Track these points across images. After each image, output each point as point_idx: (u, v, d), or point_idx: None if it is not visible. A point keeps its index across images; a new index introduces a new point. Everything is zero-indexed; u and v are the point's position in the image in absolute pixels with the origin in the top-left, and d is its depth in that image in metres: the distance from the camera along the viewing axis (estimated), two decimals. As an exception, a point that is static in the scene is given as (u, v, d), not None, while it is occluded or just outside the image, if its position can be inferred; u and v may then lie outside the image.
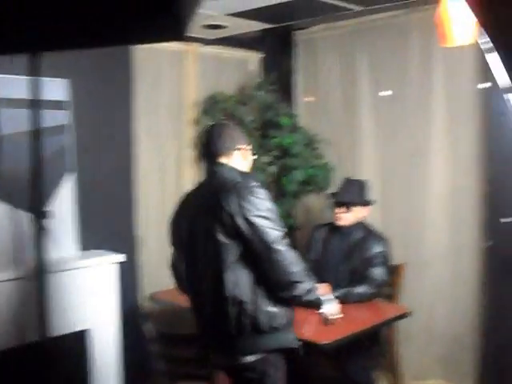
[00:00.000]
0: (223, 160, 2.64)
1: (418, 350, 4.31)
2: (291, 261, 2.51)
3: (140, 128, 4.26)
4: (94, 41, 1.21)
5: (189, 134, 4.51)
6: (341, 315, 3.12)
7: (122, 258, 3.99)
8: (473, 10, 1.73)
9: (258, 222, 2.45)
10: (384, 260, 3.70)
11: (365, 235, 3.77)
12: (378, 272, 3.64)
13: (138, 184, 4.27)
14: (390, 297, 4.01)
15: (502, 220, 3.58)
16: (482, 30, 1.75)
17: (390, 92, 4.43)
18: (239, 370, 2.63)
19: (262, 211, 2.47)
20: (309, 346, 3.08)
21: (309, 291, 2.60)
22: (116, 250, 4.00)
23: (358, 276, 3.67)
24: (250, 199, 2.46)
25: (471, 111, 4.00)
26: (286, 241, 2.53)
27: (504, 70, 1.78)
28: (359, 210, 3.79)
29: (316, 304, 2.85)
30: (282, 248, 2.48)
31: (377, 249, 3.69)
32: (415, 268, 4.20)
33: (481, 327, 4.04)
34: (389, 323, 3.58)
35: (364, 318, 3.46)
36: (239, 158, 2.69)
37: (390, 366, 4.21)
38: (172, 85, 4.43)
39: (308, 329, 3.24)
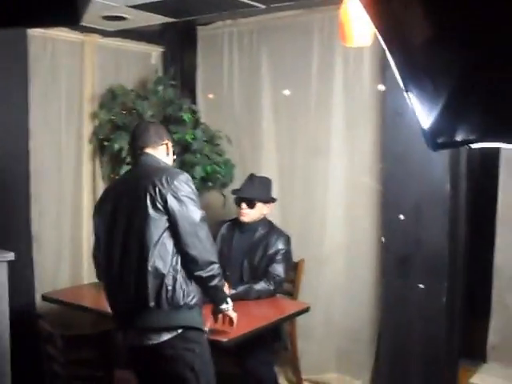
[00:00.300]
0: (149, 151, 2.83)
1: (317, 345, 4.39)
2: (211, 241, 2.76)
3: (37, 120, 4.09)
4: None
5: (87, 127, 4.38)
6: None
7: (11, 256, 3.81)
8: (366, 12, 1.77)
9: (186, 200, 2.64)
10: (285, 257, 3.75)
11: (268, 232, 3.80)
12: (278, 269, 3.68)
13: (34, 179, 4.09)
14: (290, 293, 4.07)
15: (401, 217, 3.69)
16: (376, 31, 1.81)
17: (291, 90, 4.46)
18: (156, 349, 2.66)
19: (189, 193, 2.67)
20: (209, 343, 3.08)
21: (221, 276, 2.78)
22: (8, 248, 3.81)
23: (260, 272, 3.70)
24: (180, 181, 2.66)
25: (369, 111, 4.11)
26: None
27: (396, 71, 1.84)
28: (262, 207, 3.82)
29: (222, 295, 2.88)
30: (205, 227, 2.70)
31: (279, 246, 3.73)
32: (314, 264, 4.27)
33: (376, 321, 4.17)
34: (289, 319, 3.64)
35: (265, 314, 3.49)
36: (164, 153, 2.89)
37: (290, 360, 4.28)
38: (70, 76, 4.29)
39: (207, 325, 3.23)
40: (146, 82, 4.73)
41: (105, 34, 4.47)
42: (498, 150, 3.67)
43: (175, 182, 2.65)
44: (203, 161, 4.35)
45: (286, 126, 4.50)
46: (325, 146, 4.30)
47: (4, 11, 1.10)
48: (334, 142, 4.26)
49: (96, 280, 4.21)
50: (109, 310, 3.51)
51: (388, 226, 3.86)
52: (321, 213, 4.36)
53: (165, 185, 2.63)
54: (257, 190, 3.82)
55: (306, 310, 3.57)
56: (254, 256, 3.76)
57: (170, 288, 2.61)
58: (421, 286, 3.71)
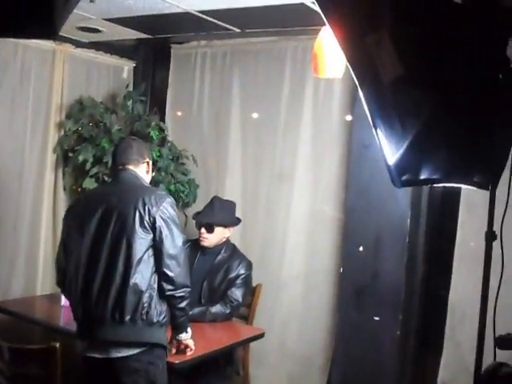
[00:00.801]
0: (130, 168, 2.89)
1: (269, 370, 4.36)
2: (187, 266, 2.83)
3: (1, 126, 4.04)
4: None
5: (53, 137, 4.32)
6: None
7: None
8: (340, 46, 1.80)
9: (172, 224, 2.73)
10: (245, 282, 3.75)
11: (230, 256, 3.80)
12: (237, 293, 3.68)
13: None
14: (246, 317, 4.05)
15: (360, 249, 3.72)
16: (348, 65, 1.84)
17: (260, 115, 4.48)
18: (122, 361, 2.69)
19: (175, 217, 2.77)
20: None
21: (189, 301, 2.84)
22: None
23: (218, 295, 3.68)
24: (168, 204, 2.74)
25: (336, 142, 4.14)
26: None
27: (366, 106, 1.87)
28: (223, 231, 3.81)
29: (185, 321, 2.93)
30: (184, 252, 2.80)
31: (240, 271, 3.74)
32: (271, 289, 4.26)
33: (329, 349, 4.18)
34: (244, 343, 3.62)
35: (219, 338, 3.47)
36: (144, 170, 2.96)
37: (241, 385, 4.25)
38: (39, 84, 4.25)
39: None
40: (116, 96, 4.71)
41: (78, 44, 4.45)
42: (458, 189, 3.73)
43: (164, 204, 2.72)
44: (167, 179, 4.33)
45: (253, 150, 4.51)
46: (290, 172, 4.32)
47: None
48: (300, 169, 4.29)
49: (48, 292, 4.19)
50: (60, 324, 3.47)
51: (347, 256, 3.88)
52: (281, 239, 4.36)
53: (154, 205, 2.70)
54: (217, 214, 3.80)
55: (260, 336, 3.56)
56: (214, 278, 3.74)
57: (146, 305, 2.66)
58: (376, 318, 3.74)
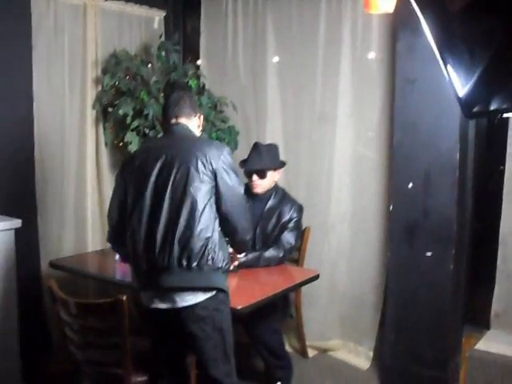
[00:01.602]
0: (183, 121, 2.90)
1: (321, 312, 4.43)
2: (248, 211, 2.91)
3: (41, 85, 4.02)
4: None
5: (91, 92, 4.31)
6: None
7: (18, 223, 3.78)
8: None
9: (234, 173, 2.78)
10: (297, 225, 3.76)
11: (281, 200, 3.79)
12: (290, 236, 3.70)
13: (38, 144, 4.04)
14: (296, 260, 4.08)
15: (409, 186, 3.70)
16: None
17: (297, 58, 4.40)
18: (189, 310, 2.71)
19: (234, 167, 2.82)
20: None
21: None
22: (14, 215, 3.77)
23: (271, 240, 3.70)
24: (227, 154, 2.78)
25: (377, 78, 4.08)
26: None
27: (431, 40, 1.81)
28: (273, 175, 3.79)
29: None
30: (245, 199, 2.88)
31: (293, 214, 3.75)
32: (320, 231, 4.28)
33: (380, 288, 4.21)
34: (299, 286, 3.65)
35: (275, 282, 3.50)
36: (196, 124, 2.98)
37: (294, 327, 4.31)
38: (73, 40, 4.20)
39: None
40: (149, 47, 4.64)
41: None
42: (506, 122, 3.66)
43: (224, 153, 2.77)
44: (208, 127, 4.31)
45: (292, 93, 4.46)
46: (331, 113, 4.27)
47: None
48: (341, 109, 4.23)
49: (99, 248, 4.25)
50: (115, 277, 3.52)
51: (396, 193, 3.85)
52: (326, 181, 4.35)
53: (214, 155, 2.73)
54: (265, 159, 3.76)
55: (315, 278, 3.57)
56: (267, 224, 3.75)
57: (211, 251, 2.70)
58: (428, 253, 3.74)
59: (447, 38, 1.81)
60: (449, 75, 1.88)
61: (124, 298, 2.74)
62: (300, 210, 3.80)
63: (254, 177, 3.75)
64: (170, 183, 2.72)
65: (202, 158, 2.71)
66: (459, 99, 1.93)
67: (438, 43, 1.82)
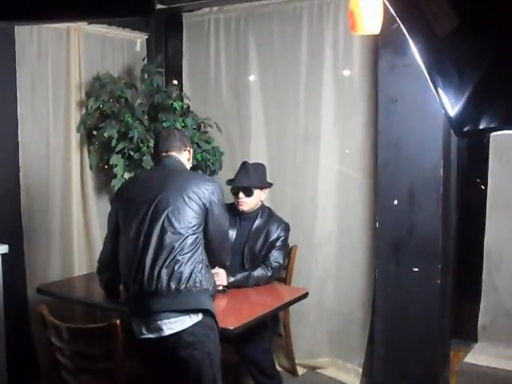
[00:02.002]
0: (176, 154, 3.05)
1: (309, 330, 4.44)
2: (230, 244, 3.28)
3: (25, 109, 4.02)
4: (59, 14, 1.11)
5: (75, 116, 4.31)
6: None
7: (4, 248, 3.76)
8: (389, 3, 1.79)
9: (223, 211, 2.98)
10: (284, 244, 3.79)
11: (267, 220, 3.82)
12: (277, 255, 3.72)
13: (23, 169, 4.02)
14: (283, 279, 4.10)
15: (395, 203, 3.75)
16: (397, 19, 1.83)
17: (280, 77, 4.45)
18: (177, 337, 2.76)
19: (223, 204, 3.04)
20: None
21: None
22: (0, 241, 3.75)
23: (259, 259, 3.72)
24: (218, 190, 2.94)
25: (360, 97, 4.13)
26: None
27: (420, 61, 1.86)
28: (259, 194, 3.83)
29: None
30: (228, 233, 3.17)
31: (280, 233, 3.78)
32: (306, 250, 4.31)
33: (368, 304, 4.24)
34: (290, 305, 3.66)
35: (265, 301, 3.53)
36: (186, 158, 3.13)
37: (283, 346, 4.32)
38: (57, 64, 4.21)
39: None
40: (132, 70, 4.67)
41: (89, 21, 4.38)
42: (487, 138, 3.73)
43: (216, 188, 2.93)
44: (193, 149, 4.31)
45: (275, 113, 4.50)
46: (315, 132, 4.32)
47: (78, 3, 1.09)
48: (325, 128, 4.28)
49: (85, 271, 4.23)
50: (102, 302, 3.50)
51: (382, 211, 3.90)
52: (312, 200, 4.39)
53: (206, 189, 2.88)
54: (252, 177, 3.81)
55: (304, 296, 3.60)
56: (254, 243, 3.78)
57: (199, 274, 2.80)
58: (415, 269, 3.78)
59: (436, 60, 1.86)
60: (439, 96, 1.93)
61: (117, 322, 2.74)
62: (287, 228, 3.84)
63: (241, 194, 3.78)
64: (161, 213, 2.82)
65: (193, 191, 2.85)
66: (450, 119, 1.97)
67: (428, 65, 1.86)
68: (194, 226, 2.83)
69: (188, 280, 2.75)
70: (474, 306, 4.08)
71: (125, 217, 2.92)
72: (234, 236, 3.81)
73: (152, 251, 2.78)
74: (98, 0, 1.11)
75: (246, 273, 3.62)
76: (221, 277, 3.49)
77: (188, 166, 3.15)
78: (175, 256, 2.77)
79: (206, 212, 2.87)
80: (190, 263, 2.78)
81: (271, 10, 4.41)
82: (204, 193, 2.86)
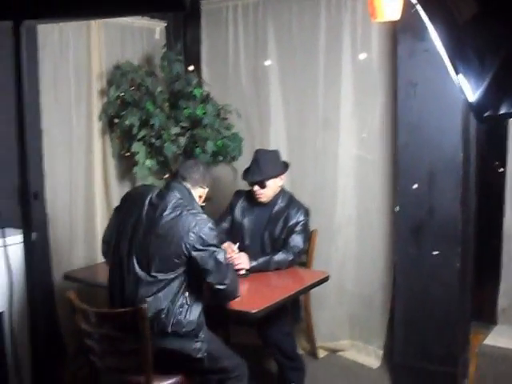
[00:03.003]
0: (187, 184, 3.05)
1: (330, 313, 4.50)
2: (234, 273, 3.12)
3: (48, 99, 4.07)
4: (92, 11, 1.16)
5: (97, 105, 4.37)
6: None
7: (33, 236, 3.82)
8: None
9: (213, 246, 2.90)
10: (305, 228, 3.82)
11: (287, 204, 3.85)
12: (298, 239, 3.76)
13: (47, 158, 4.09)
14: (304, 263, 4.14)
15: (414, 187, 3.78)
16: (418, 6, 1.85)
17: (298, 64, 4.47)
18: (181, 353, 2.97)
19: (215, 238, 2.93)
20: (236, 315, 3.19)
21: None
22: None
23: (280, 244, 3.77)
24: (208, 231, 2.88)
25: (379, 82, 4.16)
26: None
27: (441, 48, 1.89)
28: (275, 181, 3.84)
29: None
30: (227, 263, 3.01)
31: (300, 217, 3.80)
32: (326, 234, 4.35)
33: (388, 287, 4.28)
34: (311, 288, 3.70)
35: (286, 285, 3.57)
36: (198, 194, 3.12)
37: (304, 329, 4.38)
38: (78, 54, 4.24)
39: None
40: (152, 58, 4.72)
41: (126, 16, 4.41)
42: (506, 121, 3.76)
43: (205, 230, 2.87)
44: (214, 135, 4.37)
45: (295, 99, 4.53)
46: (334, 117, 4.35)
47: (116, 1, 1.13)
48: (344, 113, 4.31)
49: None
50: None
51: (402, 194, 3.94)
52: (331, 184, 4.43)
53: (194, 233, 2.84)
54: (264, 168, 3.79)
55: (325, 279, 3.65)
56: (274, 228, 3.82)
57: (179, 317, 2.93)
58: (434, 252, 3.81)
59: (457, 46, 1.88)
60: (460, 82, 1.96)
61: (145, 306, 2.81)
62: (307, 213, 3.86)
63: (255, 187, 3.82)
64: (150, 246, 2.90)
65: (182, 234, 2.84)
66: (470, 105, 2.00)
67: (449, 52, 1.89)
68: (178, 270, 2.92)
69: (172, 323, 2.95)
70: (493, 289, 4.12)
71: (116, 232, 3.06)
72: (250, 222, 3.90)
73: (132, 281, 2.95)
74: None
75: (267, 257, 3.67)
76: (243, 261, 3.57)
77: (199, 203, 3.14)
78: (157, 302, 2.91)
79: (197, 256, 2.88)
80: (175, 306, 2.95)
81: (289, -4, 4.43)
82: (194, 237, 2.85)
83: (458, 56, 1.90)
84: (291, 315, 3.86)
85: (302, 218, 3.81)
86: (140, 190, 3.22)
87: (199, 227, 2.85)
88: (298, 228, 3.78)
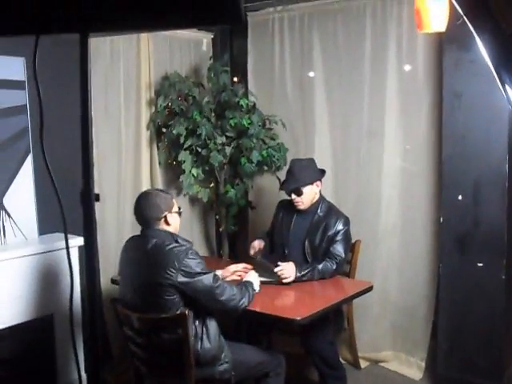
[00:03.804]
0: (155, 225, 3.08)
1: (372, 323, 4.49)
2: (229, 288, 3.04)
3: (98, 109, 4.20)
4: (153, 23, 1.23)
5: (146, 115, 4.48)
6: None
7: (80, 241, 3.94)
8: (457, 3, 1.84)
9: (198, 274, 2.94)
10: (345, 237, 3.84)
11: (327, 213, 3.89)
12: (339, 248, 3.78)
13: (97, 166, 4.21)
14: (347, 273, 4.16)
15: (459, 198, 3.78)
16: (465, 17, 1.88)
17: (344, 74, 4.51)
18: None
19: (197, 266, 2.94)
20: (280, 322, 3.23)
21: (244, 297, 3.09)
22: (75, 233, 3.93)
23: (321, 253, 3.81)
24: (188, 261, 2.92)
25: (424, 93, 4.16)
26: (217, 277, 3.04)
27: (487, 58, 1.91)
28: (312, 188, 3.88)
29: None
30: (220, 284, 3.00)
31: (339, 226, 3.83)
32: (370, 244, 4.36)
33: (431, 299, 4.26)
34: (354, 298, 3.71)
35: (331, 294, 3.59)
36: (164, 224, 3.11)
37: (346, 339, 4.39)
38: (128, 65, 4.38)
39: (280, 304, 3.38)
40: (199, 69, 4.82)
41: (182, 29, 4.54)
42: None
43: (184, 262, 2.91)
44: (259, 145, 4.44)
45: (340, 109, 4.56)
46: (379, 128, 4.37)
47: (172, 12, 1.20)
48: (389, 124, 4.33)
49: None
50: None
51: (446, 205, 3.93)
52: (375, 194, 4.44)
53: (177, 268, 2.90)
54: (298, 176, 3.85)
55: (369, 290, 3.65)
56: (314, 237, 3.86)
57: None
58: (479, 264, 3.79)
59: (504, 57, 1.90)
60: (506, 92, 1.98)
61: (186, 311, 2.87)
62: (346, 222, 3.88)
63: (293, 195, 3.87)
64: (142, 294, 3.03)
65: (164, 277, 2.91)
66: (517, 115, 2.02)
67: (495, 62, 1.91)
68: (177, 305, 2.99)
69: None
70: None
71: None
72: (290, 231, 3.97)
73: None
74: (189, 10, 1.20)
75: (311, 267, 3.70)
76: (290, 271, 3.61)
77: (172, 228, 3.14)
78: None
79: (184, 288, 2.94)
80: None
81: (335, 8, 4.47)
82: (176, 273, 2.91)
83: (505, 67, 1.92)
84: (334, 324, 3.88)
85: (341, 226, 3.84)
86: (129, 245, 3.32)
87: (178, 261, 2.91)
88: (339, 237, 3.81)
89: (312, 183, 3.88)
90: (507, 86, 1.97)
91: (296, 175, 3.86)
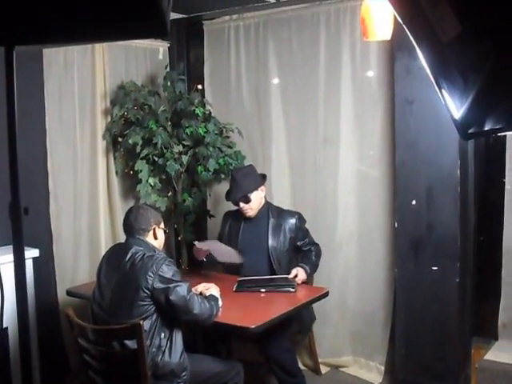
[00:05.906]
0: (141, 236, 3.17)
1: (332, 329, 4.52)
2: (202, 302, 3.09)
3: (53, 119, 4.17)
4: (84, 37, 1.22)
5: (101, 124, 4.45)
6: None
7: (36, 252, 3.90)
8: (395, 10, 1.86)
9: (173, 283, 2.98)
10: (306, 228, 4.05)
11: (279, 217, 4.01)
12: (309, 236, 4.04)
13: (52, 176, 4.17)
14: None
15: (413, 203, 3.82)
16: (404, 26, 1.91)
17: (299, 82, 4.53)
18: None
19: (174, 276, 3.01)
20: (234, 331, 3.22)
21: (213, 312, 3.13)
22: (31, 245, 3.89)
23: (288, 254, 3.98)
24: (165, 268, 2.98)
25: (377, 100, 4.21)
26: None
27: (426, 66, 1.94)
28: (257, 194, 3.95)
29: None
30: (193, 296, 3.05)
31: (297, 222, 4.01)
32: (327, 251, 4.36)
33: (389, 304, 4.30)
34: (310, 304, 3.74)
35: (286, 301, 3.59)
36: (152, 237, 3.23)
37: (306, 345, 4.40)
38: (82, 74, 4.34)
39: (235, 313, 3.37)
40: (155, 77, 4.80)
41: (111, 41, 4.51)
42: (503, 138, 3.79)
43: (160, 269, 2.97)
44: (216, 153, 4.44)
45: (296, 117, 4.59)
46: (334, 135, 4.40)
47: (99, 26, 1.20)
48: (344, 131, 4.36)
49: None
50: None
51: (400, 211, 3.98)
52: (332, 202, 4.47)
53: (153, 276, 2.95)
54: (243, 184, 3.91)
55: (325, 295, 3.68)
56: (276, 243, 3.95)
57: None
58: (434, 268, 3.84)
59: (441, 64, 1.93)
60: (444, 99, 2.01)
61: (141, 322, 2.85)
62: (301, 216, 4.05)
63: (241, 204, 3.94)
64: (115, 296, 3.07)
65: (141, 278, 2.96)
66: (455, 121, 2.04)
67: (433, 70, 1.94)
68: (151, 314, 3.03)
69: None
70: (494, 304, 4.12)
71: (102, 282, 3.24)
72: (245, 240, 4.02)
73: None
74: (119, 26, 1.21)
75: (309, 263, 3.95)
76: (302, 274, 3.83)
77: (157, 243, 3.24)
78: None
79: (160, 296, 2.98)
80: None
81: (289, 16, 4.50)
82: (153, 280, 2.96)
83: (442, 74, 1.95)
84: (293, 331, 3.89)
85: (299, 221, 4.02)
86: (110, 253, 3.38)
87: (156, 266, 2.96)
88: (303, 229, 4.04)
89: (257, 189, 3.95)
90: (445, 93, 2.00)
91: (240, 183, 3.92)
